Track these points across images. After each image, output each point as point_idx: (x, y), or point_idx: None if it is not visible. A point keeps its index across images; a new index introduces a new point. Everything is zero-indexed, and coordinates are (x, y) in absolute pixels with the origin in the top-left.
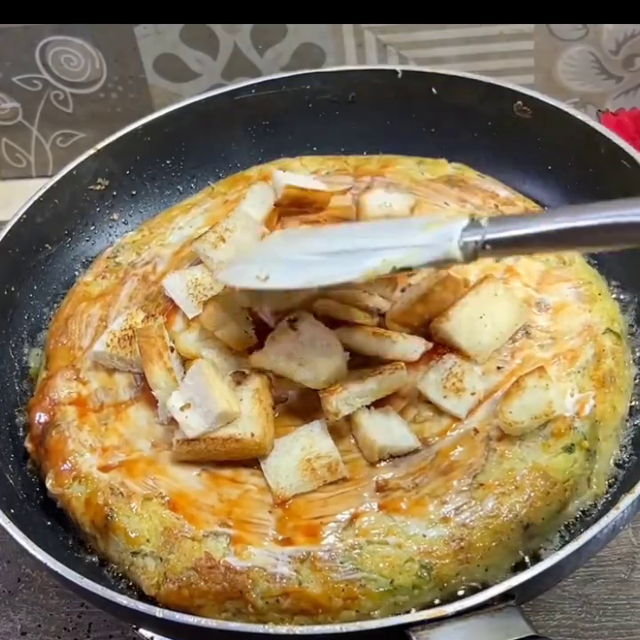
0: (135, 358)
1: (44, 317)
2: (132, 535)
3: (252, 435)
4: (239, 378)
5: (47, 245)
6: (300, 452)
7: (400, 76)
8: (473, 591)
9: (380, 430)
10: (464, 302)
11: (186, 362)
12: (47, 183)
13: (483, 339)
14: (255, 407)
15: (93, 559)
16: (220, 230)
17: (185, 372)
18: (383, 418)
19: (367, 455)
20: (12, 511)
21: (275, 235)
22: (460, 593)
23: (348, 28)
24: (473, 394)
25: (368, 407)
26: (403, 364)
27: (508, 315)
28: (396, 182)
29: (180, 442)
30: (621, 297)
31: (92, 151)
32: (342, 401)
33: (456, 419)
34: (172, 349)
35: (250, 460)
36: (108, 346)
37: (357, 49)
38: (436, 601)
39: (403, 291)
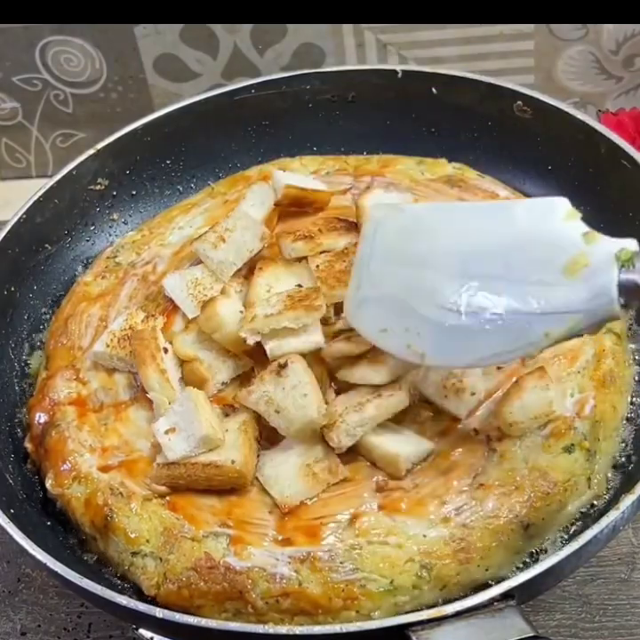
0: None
1: (44, 317)
2: (132, 535)
3: (233, 462)
4: (228, 410)
5: (47, 245)
6: (297, 458)
7: (400, 75)
8: (473, 591)
9: (396, 444)
10: None
11: (183, 363)
12: (47, 183)
13: None
14: (239, 437)
15: (93, 559)
16: (219, 230)
17: (182, 374)
18: (390, 431)
19: (393, 472)
20: (12, 511)
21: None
22: (460, 593)
23: (348, 28)
24: (473, 394)
25: None
26: (400, 385)
27: None
28: (396, 182)
29: (159, 465)
30: None
31: (91, 151)
32: (343, 433)
33: (456, 419)
34: (166, 351)
35: None
36: (108, 346)
37: (357, 49)
38: (436, 601)
39: None
